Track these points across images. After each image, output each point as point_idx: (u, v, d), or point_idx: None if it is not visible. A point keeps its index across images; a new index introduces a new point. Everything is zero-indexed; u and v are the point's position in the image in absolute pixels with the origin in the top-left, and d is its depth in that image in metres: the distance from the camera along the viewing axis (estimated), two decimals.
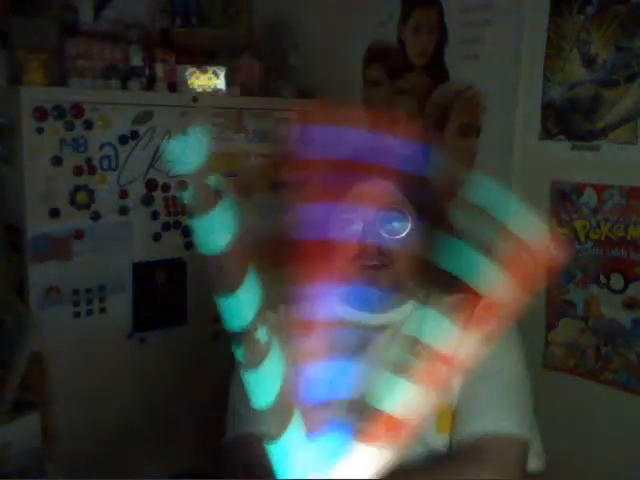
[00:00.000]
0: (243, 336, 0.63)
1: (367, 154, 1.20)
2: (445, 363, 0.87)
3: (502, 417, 1.03)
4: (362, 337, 1.06)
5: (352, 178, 1.10)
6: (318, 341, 0.95)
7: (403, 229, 1.06)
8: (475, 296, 1.09)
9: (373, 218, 1.05)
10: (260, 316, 0.63)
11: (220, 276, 0.62)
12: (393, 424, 0.68)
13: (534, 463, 1.09)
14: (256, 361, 0.64)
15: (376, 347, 1.07)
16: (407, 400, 0.70)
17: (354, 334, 1.06)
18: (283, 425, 0.66)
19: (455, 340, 0.93)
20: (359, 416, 0.95)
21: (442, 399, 1.04)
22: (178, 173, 0.58)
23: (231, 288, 0.61)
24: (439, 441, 1.04)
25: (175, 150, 0.58)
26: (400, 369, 0.73)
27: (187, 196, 0.59)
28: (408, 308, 1.12)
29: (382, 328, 1.10)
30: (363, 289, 1.06)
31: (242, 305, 0.62)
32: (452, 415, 1.04)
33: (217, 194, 0.60)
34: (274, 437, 0.66)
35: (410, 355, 0.90)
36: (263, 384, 0.65)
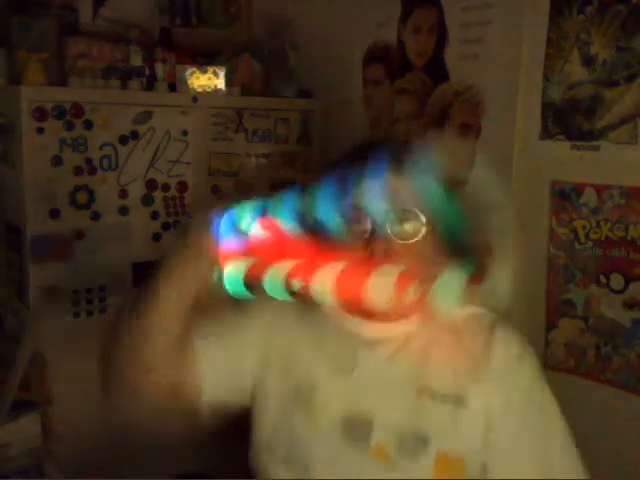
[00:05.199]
0: None
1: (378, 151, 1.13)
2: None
3: None
4: (357, 349, 0.99)
5: (362, 175, 1.01)
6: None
7: (415, 233, 0.92)
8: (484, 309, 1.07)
9: (383, 218, 0.92)
10: None
11: None
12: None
13: None
14: None
15: (374, 362, 0.99)
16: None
17: (349, 346, 0.99)
18: None
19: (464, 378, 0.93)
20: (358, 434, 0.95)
21: (448, 446, 0.94)
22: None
23: None
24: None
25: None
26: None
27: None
28: (413, 321, 0.99)
29: (382, 342, 1.00)
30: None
31: None
32: (464, 470, 0.93)
33: None
34: None
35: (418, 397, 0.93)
36: None
